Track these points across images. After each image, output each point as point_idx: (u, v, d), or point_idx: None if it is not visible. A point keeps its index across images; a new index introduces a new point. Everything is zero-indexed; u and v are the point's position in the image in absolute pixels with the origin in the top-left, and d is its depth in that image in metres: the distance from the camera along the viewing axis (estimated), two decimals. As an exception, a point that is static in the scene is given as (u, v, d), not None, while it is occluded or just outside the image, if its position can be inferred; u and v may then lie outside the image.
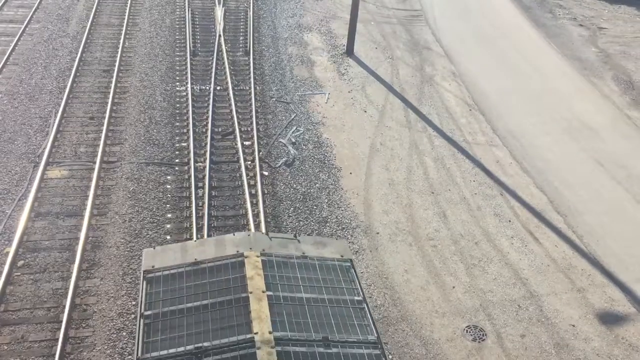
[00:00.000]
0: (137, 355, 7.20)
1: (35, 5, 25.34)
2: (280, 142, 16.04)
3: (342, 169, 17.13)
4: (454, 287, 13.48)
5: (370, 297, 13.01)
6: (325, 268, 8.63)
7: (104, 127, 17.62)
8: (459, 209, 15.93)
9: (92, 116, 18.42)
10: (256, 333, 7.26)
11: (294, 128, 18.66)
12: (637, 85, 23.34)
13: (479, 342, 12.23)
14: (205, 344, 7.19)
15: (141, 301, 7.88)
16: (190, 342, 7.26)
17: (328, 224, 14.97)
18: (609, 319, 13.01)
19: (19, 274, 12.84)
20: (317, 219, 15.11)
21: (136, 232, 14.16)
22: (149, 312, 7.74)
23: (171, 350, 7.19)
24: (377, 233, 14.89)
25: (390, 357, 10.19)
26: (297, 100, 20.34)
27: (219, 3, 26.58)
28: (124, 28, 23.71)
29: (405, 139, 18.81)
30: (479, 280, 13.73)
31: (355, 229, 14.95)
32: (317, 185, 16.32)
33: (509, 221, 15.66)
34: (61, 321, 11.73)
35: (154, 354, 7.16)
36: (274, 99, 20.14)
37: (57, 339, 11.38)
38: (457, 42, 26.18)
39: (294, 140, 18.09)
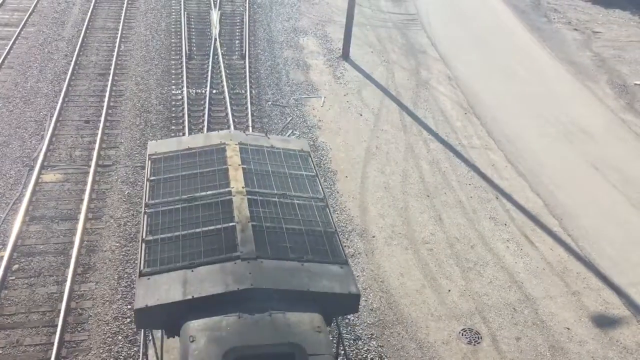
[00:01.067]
0: (145, 201, 10.02)
1: (31, 8, 25.30)
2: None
3: (338, 173, 17.14)
4: (449, 291, 13.49)
5: (366, 300, 13.01)
6: (288, 155, 11.26)
7: (99, 131, 17.59)
8: (455, 213, 15.95)
9: (88, 120, 18.39)
10: (232, 187, 9.87)
11: (290, 131, 18.67)
12: (631, 89, 23.45)
13: (475, 345, 12.24)
14: (196, 194, 9.86)
15: (145, 189, 10.32)
16: (184, 193, 9.95)
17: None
18: (604, 322, 13.04)
19: (13, 278, 12.79)
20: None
21: (131, 236, 14.13)
22: (152, 178, 10.52)
23: (170, 199, 9.87)
24: (373, 236, 14.91)
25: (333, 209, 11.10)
26: (293, 103, 20.36)
27: (215, 6, 26.60)
28: (119, 31, 23.70)
29: (400, 142, 18.84)
30: (475, 283, 13.75)
31: (351, 232, 14.95)
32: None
33: (505, 224, 15.70)
34: (56, 325, 11.68)
35: (157, 200, 9.94)
36: (270, 103, 20.16)
37: (53, 343, 11.33)
38: (453, 46, 26.27)
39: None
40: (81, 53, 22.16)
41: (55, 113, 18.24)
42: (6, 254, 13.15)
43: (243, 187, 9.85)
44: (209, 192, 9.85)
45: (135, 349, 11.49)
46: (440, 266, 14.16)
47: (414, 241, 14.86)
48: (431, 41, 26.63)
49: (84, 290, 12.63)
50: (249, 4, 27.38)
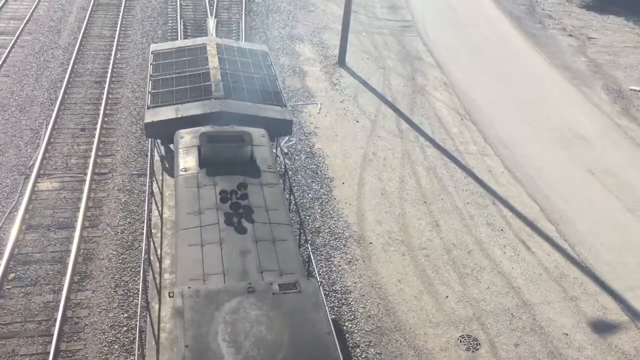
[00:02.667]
0: (149, 74, 13.67)
1: (27, 17, 25.32)
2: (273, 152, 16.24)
3: (335, 179, 17.14)
4: (447, 297, 13.47)
5: (364, 307, 12.98)
6: (251, 52, 14.97)
7: (96, 139, 17.57)
8: (452, 219, 15.95)
9: (84, 127, 18.37)
10: (210, 66, 13.43)
11: (287, 138, 18.67)
12: (626, 94, 23.54)
13: (473, 351, 12.21)
14: (184, 69, 13.51)
15: (150, 68, 13.86)
16: (176, 70, 13.59)
17: (321, 234, 14.95)
18: (602, 328, 13.03)
19: (9, 286, 12.73)
20: (310, 229, 15.10)
21: (128, 243, 14.08)
22: (154, 62, 14.05)
23: (166, 73, 13.55)
24: (370, 243, 14.89)
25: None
26: (290, 110, 20.36)
27: (211, 14, 26.64)
28: (115, 39, 23.72)
29: (397, 148, 18.86)
30: (472, 289, 13.73)
31: (348, 238, 14.94)
32: (309, 195, 16.32)
33: (502, 230, 15.70)
34: (52, 334, 11.62)
35: (157, 73, 13.58)
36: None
37: (49, 353, 11.27)
38: (448, 52, 26.35)
39: (286, 150, 18.10)
40: (77, 61, 22.16)
41: (51, 121, 18.22)
42: (2, 263, 13.09)
43: (217, 66, 13.47)
44: (193, 68, 13.55)
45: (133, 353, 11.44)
46: (438, 272, 14.14)
47: (411, 247, 14.85)
48: (427, 48, 26.72)
49: (80, 299, 12.58)
50: (245, 11, 27.44)
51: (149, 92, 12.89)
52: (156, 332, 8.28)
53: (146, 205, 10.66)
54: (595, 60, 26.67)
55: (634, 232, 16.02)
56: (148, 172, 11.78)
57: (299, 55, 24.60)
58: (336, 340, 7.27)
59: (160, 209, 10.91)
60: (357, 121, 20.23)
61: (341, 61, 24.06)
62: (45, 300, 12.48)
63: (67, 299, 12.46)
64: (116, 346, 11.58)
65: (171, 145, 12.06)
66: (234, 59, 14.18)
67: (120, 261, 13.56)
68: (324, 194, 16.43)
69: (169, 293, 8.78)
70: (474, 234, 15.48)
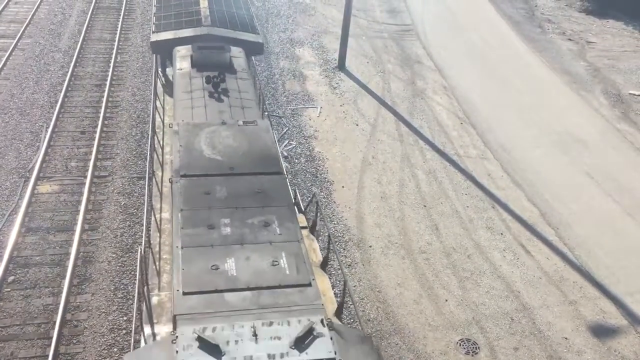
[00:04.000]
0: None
1: (27, 20, 25.35)
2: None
3: (335, 183, 17.14)
4: (446, 300, 13.47)
5: (364, 310, 12.98)
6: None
7: (95, 142, 17.58)
8: (451, 222, 15.96)
9: (84, 130, 18.38)
10: (201, 7, 16.54)
11: (286, 142, 18.69)
12: (626, 99, 23.58)
13: (472, 355, 12.20)
14: (181, 10, 16.53)
15: (153, 8, 16.91)
16: (174, 10, 16.54)
17: (320, 238, 14.95)
18: (602, 332, 13.03)
19: (9, 289, 12.72)
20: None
21: (128, 246, 14.08)
22: (157, 12, 16.82)
23: (165, 12, 16.59)
24: (370, 246, 14.89)
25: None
26: (289, 114, 20.40)
27: None
28: (115, 43, 23.75)
29: (397, 152, 18.88)
30: (472, 293, 13.73)
31: (347, 242, 14.94)
32: (309, 198, 16.31)
33: (501, 234, 15.71)
34: (51, 337, 11.61)
35: (158, 13, 16.65)
36: (266, 113, 20.14)
37: (48, 356, 11.26)
38: (448, 56, 26.40)
39: (286, 154, 18.11)
40: (77, 64, 22.18)
41: (51, 124, 18.23)
42: (2, 266, 13.08)
43: (207, 6, 16.47)
44: (187, 8, 16.57)
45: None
46: (437, 276, 14.14)
47: (410, 251, 14.85)
48: (427, 52, 26.77)
49: (79, 302, 12.57)
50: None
51: (154, 23, 16.06)
52: (160, 188, 11.15)
53: (152, 105, 13.59)
54: (594, 64, 26.72)
55: (633, 236, 16.03)
56: (153, 85, 14.91)
57: (299, 59, 24.64)
58: (278, 147, 10.86)
59: (162, 116, 13.53)
60: (357, 125, 20.25)
61: (341, 65, 24.10)
62: (45, 303, 12.47)
63: (67, 301, 12.45)
64: (115, 349, 11.57)
65: (169, 70, 15.73)
66: (220, 2, 17.53)
67: (119, 264, 13.56)
68: (324, 197, 16.44)
69: (169, 125, 11.38)
70: (474, 237, 15.49)
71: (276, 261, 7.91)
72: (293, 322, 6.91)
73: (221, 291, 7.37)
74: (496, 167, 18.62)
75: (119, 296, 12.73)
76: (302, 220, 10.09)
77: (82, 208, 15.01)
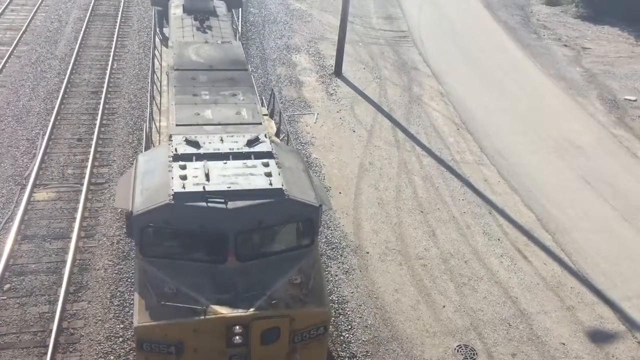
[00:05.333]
0: None
1: (24, 27, 25.37)
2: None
3: (332, 189, 17.14)
4: (444, 306, 13.45)
5: (361, 317, 12.95)
6: None
7: (92, 149, 17.55)
8: (448, 228, 15.96)
9: (80, 138, 18.36)
10: None
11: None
12: (621, 104, 23.67)
13: (470, 361, 12.18)
14: None
15: None
16: None
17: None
18: (599, 337, 13.02)
19: (5, 297, 12.66)
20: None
21: (124, 254, 14.03)
22: None
23: None
24: (367, 252, 14.87)
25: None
26: (286, 120, 20.39)
27: None
28: (112, 50, 23.76)
29: (394, 158, 18.90)
30: (469, 299, 13.72)
31: (344, 248, 14.92)
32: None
33: (498, 240, 15.71)
34: (48, 345, 11.54)
35: None
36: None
37: (43, 364, 11.20)
38: (444, 62, 26.48)
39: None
40: (74, 71, 22.18)
41: (48, 131, 18.21)
42: (-3, 274, 13.03)
43: None
44: None
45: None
46: (435, 282, 14.13)
47: (408, 257, 14.84)
48: (423, 58, 26.85)
49: (76, 310, 12.51)
50: (241, 22, 27.54)
51: None
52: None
53: (151, 54, 16.23)
54: (590, 70, 26.84)
55: (630, 241, 16.05)
56: (152, 38, 17.44)
57: (295, 66, 24.68)
58: (245, 56, 14.13)
59: (160, 62, 15.70)
60: (354, 131, 20.27)
61: (337, 71, 24.15)
62: (41, 311, 12.41)
63: (63, 309, 12.39)
64: (112, 357, 11.51)
65: (165, 30, 17.93)
66: None
67: (116, 272, 13.51)
68: (321, 204, 16.42)
69: (168, 43, 14.98)
70: (471, 243, 15.49)
71: (239, 112, 11.46)
72: (247, 135, 10.27)
73: (201, 124, 10.80)
74: (493, 172, 18.65)
75: (116, 304, 12.68)
76: (263, 110, 12.91)
77: (78, 215, 14.97)
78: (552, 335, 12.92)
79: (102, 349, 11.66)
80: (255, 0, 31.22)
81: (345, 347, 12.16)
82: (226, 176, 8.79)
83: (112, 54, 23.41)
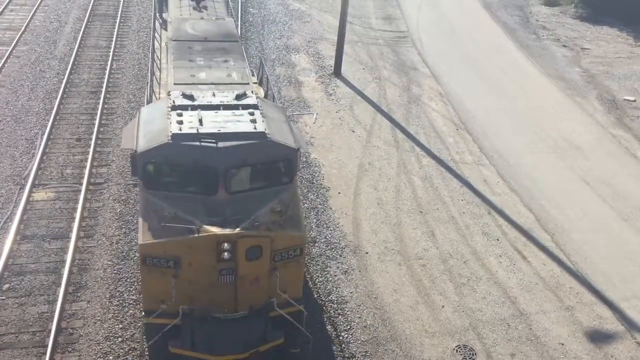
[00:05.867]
0: None
1: (23, 27, 25.35)
2: None
3: (331, 189, 17.14)
4: (443, 307, 13.46)
5: (360, 317, 12.95)
6: None
7: (91, 149, 17.55)
8: (448, 228, 15.97)
9: (79, 137, 18.35)
10: None
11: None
12: (621, 104, 23.69)
13: (469, 361, 12.19)
14: None
15: None
16: None
17: (317, 244, 14.93)
18: (598, 337, 13.03)
19: (4, 297, 12.65)
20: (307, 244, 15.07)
21: (123, 254, 14.03)
22: None
23: None
24: (366, 253, 14.88)
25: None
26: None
27: None
28: (111, 50, 23.75)
29: (393, 158, 18.90)
30: (468, 299, 13.72)
31: (344, 248, 14.92)
32: (305, 205, 16.31)
33: (497, 240, 15.72)
34: (47, 345, 11.54)
35: None
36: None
37: (42, 364, 11.20)
38: (443, 62, 26.49)
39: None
40: (73, 71, 22.17)
41: (47, 131, 18.20)
42: (-4, 274, 13.02)
43: None
44: None
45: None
46: (434, 282, 14.13)
47: (407, 257, 14.85)
48: (422, 58, 26.86)
49: (75, 310, 12.51)
50: (241, 21, 27.55)
51: None
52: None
53: (151, 34, 17.00)
54: (589, 70, 26.86)
55: (629, 241, 16.07)
56: (152, 22, 17.80)
57: (294, 66, 24.69)
58: (237, 30, 15.65)
59: (159, 40, 16.13)
60: (353, 131, 20.28)
61: (337, 71, 24.15)
62: (40, 311, 12.40)
63: (62, 309, 12.39)
64: (111, 357, 11.50)
65: (165, 15, 17.89)
66: None
67: (115, 272, 13.50)
68: (320, 204, 16.43)
69: (167, 21, 15.91)
70: (470, 243, 15.49)
71: (230, 74, 12.72)
72: (236, 91, 11.36)
73: (196, 84, 12.00)
74: (492, 173, 18.66)
75: (115, 304, 12.67)
76: (253, 79, 13.58)
77: (77, 215, 14.97)
78: (551, 335, 12.93)
79: (101, 349, 11.66)
80: (255, 1, 31.22)
81: (344, 347, 12.17)
82: (217, 122, 10.07)
83: (111, 54, 23.40)
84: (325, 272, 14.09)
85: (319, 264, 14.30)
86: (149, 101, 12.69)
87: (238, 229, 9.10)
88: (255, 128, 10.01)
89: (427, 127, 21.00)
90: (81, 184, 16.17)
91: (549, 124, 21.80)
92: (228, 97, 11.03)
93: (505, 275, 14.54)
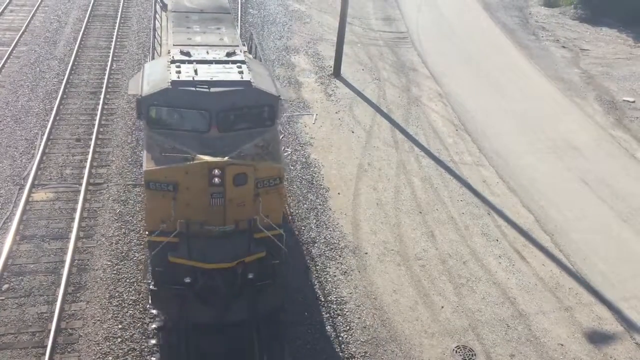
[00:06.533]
0: None
1: (23, 28, 25.35)
2: None
3: (330, 190, 17.15)
4: (442, 307, 13.46)
5: (359, 317, 12.96)
6: None
7: (91, 149, 17.55)
8: (447, 229, 15.98)
9: (79, 138, 18.36)
10: None
11: (282, 149, 18.69)
12: (620, 105, 23.71)
13: (469, 362, 12.19)
14: None
15: None
16: None
17: (316, 245, 14.94)
18: (597, 338, 13.04)
19: (3, 298, 12.65)
20: (305, 239, 15.08)
21: (123, 254, 14.03)
22: None
23: None
24: (366, 253, 14.88)
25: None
26: (285, 121, 20.41)
27: None
28: (111, 50, 23.76)
29: (392, 159, 18.91)
30: (468, 299, 13.73)
31: (343, 249, 14.93)
32: (305, 205, 16.32)
33: (497, 240, 15.73)
34: (46, 346, 11.54)
35: None
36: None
37: (42, 364, 11.20)
38: (443, 63, 26.51)
39: (281, 161, 18.11)
40: (73, 72, 22.17)
41: (46, 132, 18.20)
42: (-4, 274, 13.02)
43: None
44: None
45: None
46: (433, 282, 14.14)
47: (406, 257, 14.85)
48: (422, 59, 26.87)
49: (74, 310, 12.51)
50: (240, 22, 27.56)
51: None
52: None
53: (152, 16, 17.08)
54: (588, 71, 26.88)
55: (628, 242, 16.08)
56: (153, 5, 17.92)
57: (294, 67, 24.70)
58: (229, 5, 16.99)
59: (160, 22, 16.34)
60: (353, 132, 20.29)
61: (336, 72, 24.16)
62: (39, 311, 12.41)
63: (61, 310, 12.39)
64: (110, 358, 11.50)
65: None
66: None
67: (114, 272, 13.51)
68: (320, 205, 16.44)
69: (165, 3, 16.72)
70: (469, 244, 15.50)
71: (222, 39, 14.23)
72: (226, 50, 12.68)
73: (192, 45, 13.26)
74: (491, 173, 18.67)
75: (114, 304, 12.67)
76: (244, 48, 13.99)
77: (77, 216, 14.97)
78: (550, 336, 12.94)
79: (100, 349, 11.66)
80: (255, 2, 31.25)
81: (343, 348, 12.17)
82: (209, 73, 11.53)
83: (111, 54, 23.41)
84: (325, 273, 14.09)
85: (318, 265, 14.31)
86: (152, 59, 14.01)
87: (227, 158, 10.56)
88: (242, 78, 11.49)
89: (426, 127, 21.01)
90: (81, 185, 16.18)
91: (548, 124, 21.81)
92: (220, 54, 12.46)
93: (505, 275, 14.55)
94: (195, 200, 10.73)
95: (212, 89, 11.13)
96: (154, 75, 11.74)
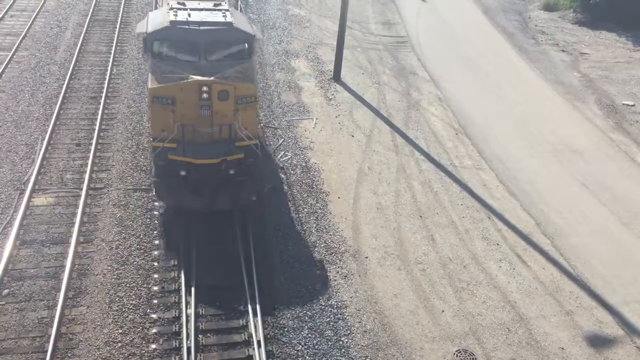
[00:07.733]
0: None
1: (23, 33, 25.40)
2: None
3: (330, 194, 17.15)
4: (443, 311, 13.45)
5: (360, 322, 12.95)
6: None
7: (91, 154, 17.56)
8: (447, 233, 15.97)
9: (79, 143, 18.37)
10: None
11: (282, 153, 18.72)
12: (620, 109, 23.73)
13: (469, 366, 12.18)
14: None
15: None
16: None
17: (317, 249, 14.94)
18: (598, 342, 13.02)
19: (3, 303, 12.65)
20: (305, 243, 15.08)
21: (123, 259, 14.03)
22: None
23: None
24: (366, 257, 14.88)
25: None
26: (285, 125, 20.44)
27: None
28: (111, 55, 23.80)
29: (392, 163, 18.92)
30: (468, 303, 13.72)
31: (344, 253, 14.92)
32: (305, 210, 16.33)
33: (497, 244, 15.72)
34: (46, 351, 11.53)
35: None
36: (262, 125, 20.23)
37: (42, 369, 11.18)
38: (443, 67, 26.54)
39: (281, 165, 18.13)
40: (73, 77, 22.21)
41: (47, 136, 18.22)
42: (-4, 279, 13.01)
43: None
44: None
45: None
46: (434, 286, 14.13)
47: (407, 262, 14.85)
48: (421, 63, 26.91)
49: (74, 315, 12.50)
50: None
51: None
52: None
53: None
54: (587, 75, 26.91)
55: (628, 245, 16.07)
56: None
57: (294, 71, 24.73)
58: None
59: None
60: (353, 136, 20.31)
61: (336, 76, 24.20)
62: (40, 316, 12.40)
63: (62, 314, 12.38)
64: (111, 362, 11.50)
65: None
66: None
67: (115, 277, 13.50)
68: (320, 209, 16.44)
69: None
70: (470, 248, 15.50)
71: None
72: (213, 2, 15.82)
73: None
74: (491, 177, 18.67)
75: (114, 309, 12.67)
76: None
77: (77, 220, 14.97)
78: (551, 339, 12.92)
79: (100, 354, 11.65)
80: (255, 6, 31.31)
81: (344, 352, 12.16)
82: (200, 16, 14.73)
83: (111, 59, 23.45)
84: (325, 277, 14.09)
85: (318, 267, 14.30)
86: (155, 6, 17.42)
87: (213, 78, 13.58)
88: (225, 20, 14.75)
89: (426, 131, 21.03)
90: (81, 189, 16.18)
91: (548, 128, 21.83)
92: (209, 5, 15.68)
93: (505, 279, 14.54)
94: (189, 112, 13.67)
95: (202, 27, 14.39)
96: (157, 19, 14.88)
